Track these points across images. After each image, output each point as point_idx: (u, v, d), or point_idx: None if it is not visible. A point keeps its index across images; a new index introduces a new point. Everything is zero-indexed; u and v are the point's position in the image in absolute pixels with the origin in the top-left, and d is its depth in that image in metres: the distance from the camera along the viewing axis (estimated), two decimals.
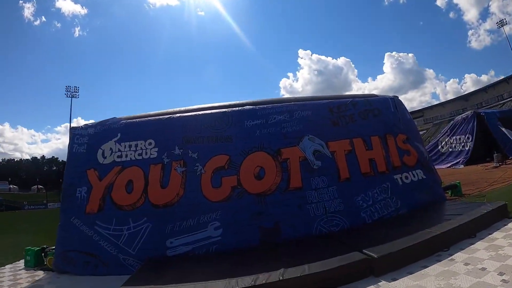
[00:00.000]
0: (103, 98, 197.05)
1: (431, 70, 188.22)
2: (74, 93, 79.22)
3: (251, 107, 8.73)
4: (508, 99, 77.33)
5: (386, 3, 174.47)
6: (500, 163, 18.73)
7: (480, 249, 5.13)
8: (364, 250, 5.16)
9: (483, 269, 4.31)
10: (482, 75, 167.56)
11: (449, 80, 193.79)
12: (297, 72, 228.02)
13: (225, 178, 7.59)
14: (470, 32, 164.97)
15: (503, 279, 3.88)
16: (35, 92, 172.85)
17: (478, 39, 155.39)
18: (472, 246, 5.34)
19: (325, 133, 8.29)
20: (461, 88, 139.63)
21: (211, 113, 8.57)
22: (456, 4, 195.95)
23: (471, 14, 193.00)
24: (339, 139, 8.30)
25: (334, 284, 4.55)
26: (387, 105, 9.42)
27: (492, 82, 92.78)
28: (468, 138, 23.74)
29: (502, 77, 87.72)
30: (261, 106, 8.70)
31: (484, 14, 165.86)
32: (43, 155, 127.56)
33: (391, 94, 10.17)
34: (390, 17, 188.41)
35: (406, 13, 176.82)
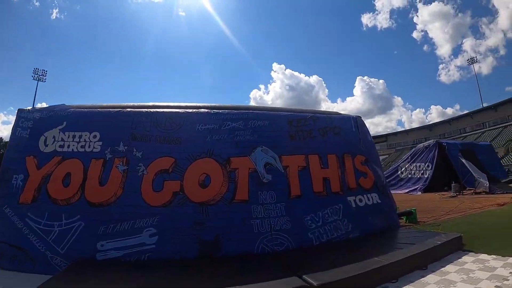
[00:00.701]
0: (73, 85, 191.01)
1: (400, 98, 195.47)
2: (42, 76, 77.40)
3: (206, 110, 8.20)
4: (470, 133, 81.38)
5: (365, 28, 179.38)
6: (458, 193, 19.01)
7: (430, 283, 4.78)
8: (304, 276, 4.66)
9: None
10: (448, 108, 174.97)
11: (415, 110, 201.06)
12: (269, 85, 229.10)
13: (167, 182, 6.98)
14: (441, 66, 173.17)
15: None
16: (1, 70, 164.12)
17: (448, 74, 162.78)
18: (422, 279, 5.00)
19: (280, 146, 7.86)
20: (426, 118, 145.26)
21: (164, 111, 7.99)
22: (431, 38, 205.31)
23: (444, 50, 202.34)
24: (294, 153, 7.90)
25: None
26: (349, 125, 9.17)
27: (456, 115, 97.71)
28: (428, 166, 24.28)
29: (466, 112, 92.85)
30: (216, 110, 8.19)
31: (457, 50, 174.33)
32: (1, 137, 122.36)
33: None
34: (367, 42, 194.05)
35: (382, 40, 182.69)
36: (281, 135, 8.07)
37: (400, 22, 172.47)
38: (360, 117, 9.75)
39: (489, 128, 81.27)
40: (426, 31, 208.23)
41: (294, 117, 8.60)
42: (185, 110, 8.16)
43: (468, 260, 5.86)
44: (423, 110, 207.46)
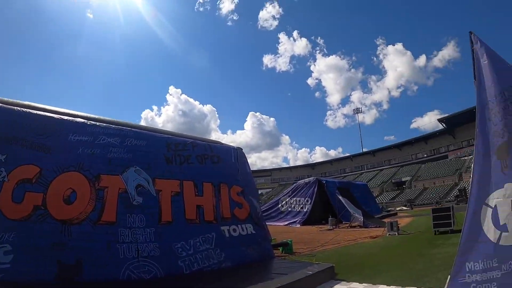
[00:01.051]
0: None
1: (287, 137, 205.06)
2: None
3: (82, 120, 7.33)
4: (350, 173, 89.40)
5: (264, 68, 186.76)
6: (334, 227, 19.94)
7: None
8: None
9: None
10: (331, 150, 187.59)
11: (301, 149, 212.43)
12: (162, 107, 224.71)
13: (29, 193, 5.91)
14: (329, 112, 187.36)
15: None
16: None
17: (334, 119, 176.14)
18: None
19: (155, 169, 7.41)
20: (311, 158, 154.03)
21: (37, 114, 6.85)
22: (324, 86, 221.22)
23: (334, 98, 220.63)
24: (169, 178, 7.53)
25: None
26: (228, 154, 9.17)
27: (338, 157, 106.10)
28: (307, 200, 25.36)
29: (347, 154, 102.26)
30: (93, 122, 7.40)
31: (345, 100, 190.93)
32: None
33: (246, 149, 9.88)
34: (264, 81, 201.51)
35: (278, 81, 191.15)
36: (157, 157, 7.66)
37: (298, 67, 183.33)
38: (241, 148, 9.79)
39: (367, 170, 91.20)
40: (320, 79, 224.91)
41: (173, 140, 8.32)
42: (61, 116, 7.17)
43: None
44: (308, 149, 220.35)
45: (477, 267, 4.20)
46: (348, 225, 21.02)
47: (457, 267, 4.36)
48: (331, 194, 24.77)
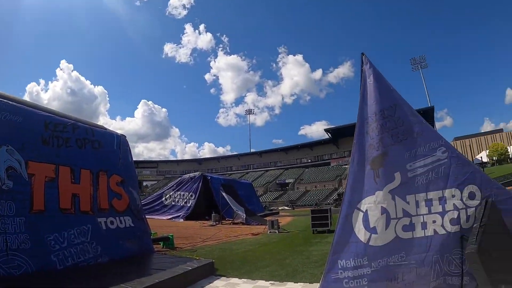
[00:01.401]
0: None
1: (177, 129, 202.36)
2: None
3: None
4: (236, 171, 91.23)
5: (164, 56, 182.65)
6: (217, 223, 20.11)
7: None
8: None
9: None
10: (219, 147, 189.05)
11: (190, 143, 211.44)
12: (50, 82, 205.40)
13: None
14: (222, 110, 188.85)
15: None
16: None
17: (226, 118, 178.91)
18: None
19: (29, 150, 6.44)
20: (199, 153, 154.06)
21: None
22: (220, 84, 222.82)
23: (229, 96, 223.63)
24: (44, 161, 6.62)
25: None
26: (111, 141, 8.45)
27: (226, 155, 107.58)
28: (191, 195, 25.20)
29: (235, 153, 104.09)
30: None
31: (239, 100, 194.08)
32: None
33: (134, 138, 9.27)
34: (161, 69, 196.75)
35: (175, 72, 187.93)
36: (33, 137, 6.69)
37: (198, 61, 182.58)
38: (125, 136, 9.16)
39: (253, 170, 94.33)
40: (218, 76, 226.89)
41: (52, 119, 7.28)
42: None
43: (219, 284, 6.10)
44: (197, 144, 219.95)
45: (348, 265, 4.66)
46: (230, 221, 21.38)
47: (330, 264, 4.79)
48: (215, 190, 24.90)
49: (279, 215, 30.09)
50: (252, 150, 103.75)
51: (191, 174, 28.51)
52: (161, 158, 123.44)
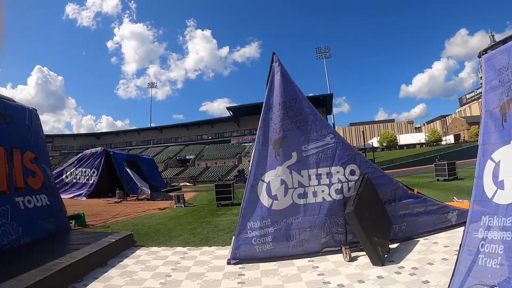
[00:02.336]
0: None
1: (74, 100, 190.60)
2: None
3: None
4: (136, 147, 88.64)
5: (65, 18, 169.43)
6: (122, 199, 20.08)
7: (114, 276, 5.22)
8: None
9: None
10: (118, 120, 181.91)
11: (87, 115, 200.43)
12: None
13: None
14: (122, 81, 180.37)
15: None
16: None
17: (126, 90, 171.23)
18: (105, 274, 5.37)
19: None
20: (96, 126, 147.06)
21: None
22: (123, 53, 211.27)
23: (130, 67, 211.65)
24: None
25: None
26: (22, 116, 7.98)
27: (125, 129, 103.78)
28: (93, 172, 24.28)
29: (135, 128, 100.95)
30: None
31: (141, 72, 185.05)
32: None
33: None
34: (59, 32, 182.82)
35: (75, 37, 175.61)
36: None
37: (101, 26, 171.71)
38: (36, 110, 8.71)
39: (153, 145, 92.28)
40: (121, 45, 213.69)
41: None
42: None
43: (142, 253, 6.71)
44: (94, 117, 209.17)
45: (256, 226, 5.95)
46: (135, 197, 21.38)
47: (241, 226, 6.00)
48: (118, 166, 24.14)
49: (181, 191, 29.91)
50: (153, 125, 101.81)
51: (92, 149, 27.54)
52: (56, 132, 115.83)
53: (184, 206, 16.08)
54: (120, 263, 5.98)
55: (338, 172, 6.23)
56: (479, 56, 4.12)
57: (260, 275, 5.06)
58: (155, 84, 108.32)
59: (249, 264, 5.62)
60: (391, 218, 6.01)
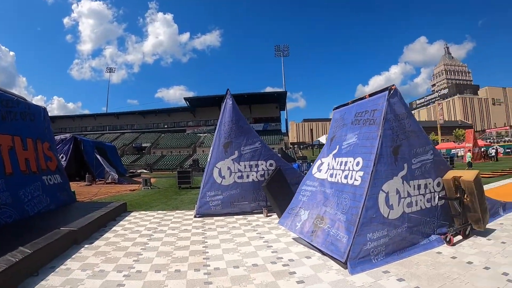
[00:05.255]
0: None
1: (25, 78, 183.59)
2: None
3: None
4: (91, 132, 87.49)
5: None
6: (91, 183, 21.88)
7: (119, 230, 7.92)
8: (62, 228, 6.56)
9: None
10: (70, 102, 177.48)
11: (37, 96, 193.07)
12: None
13: None
14: (76, 61, 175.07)
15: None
16: None
17: (81, 70, 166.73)
18: (114, 228, 8.15)
19: None
20: (47, 108, 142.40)
21: None
22: (79, 31, 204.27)
23: (86, 47, 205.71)
24: (4, 133, 8.24)
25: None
26: (39, 113, 10.35)
27: (82, 114, 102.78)
28: (62, 157, 23.96)
29: (88, 112, 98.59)
30: None
31: (97, 52, 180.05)
32: None
33: None
34: (12, 4, 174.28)
35: (29, 10, 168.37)
36: None
37: (58, 1, 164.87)
38: (46, 108, 11.15)
39: (109, 132, 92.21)
40: (78, 22, 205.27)
41: (4, 97, 8.74)
42: None
43: (134, 215, 10.07)
44: (45, 98, 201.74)
45: (211, 194, 9.61)
46: (103, 181, 23.29)
47: (202, 194, 9.61)
48: (87, 152, 25.54)
49: (141, 177, 30.83)
50: (108, 111, 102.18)
51: (61, 135, 27.69)
52: None
53: (151, 188, 19.14)
54: (121, 221, 8.94)
55: (262, 164, 10.09)
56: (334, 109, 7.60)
57: (214, 221, 8.72)
58: (113, 69, 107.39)
59: (207, 217, 9.19)
60: (294, 193, 8.58)
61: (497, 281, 4.24)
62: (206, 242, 6.63)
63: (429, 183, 6.32)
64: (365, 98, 6.61)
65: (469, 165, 27.79)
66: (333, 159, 6.79)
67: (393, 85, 6.06)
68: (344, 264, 4.94)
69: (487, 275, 4.49)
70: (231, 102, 10.62)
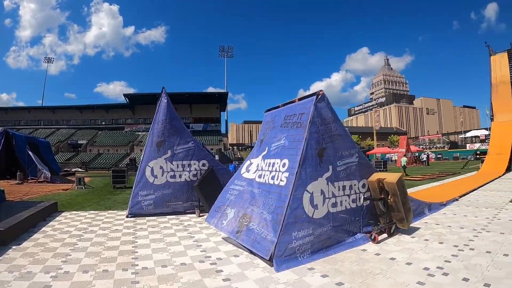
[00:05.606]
0: None
1: None
2: None
3: None
4: (25, 126, 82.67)
5: None
6: (22, 181, 20.96)
7: (39, 238, 7.20)
8: None
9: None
10: (4, 93, 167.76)
11: None
12: None
13: None
14: (13, 48, 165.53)
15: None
16: None
17: (17, 58, 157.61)
18: (43, 228, 7.95)
19: None
20: None
21: None
22: (19, 16, 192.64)
23: (25, 33, 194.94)
24: None
25: None
26: None
27: (16, 106, 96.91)
28: None
29: (25, 105, 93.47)
30: None
31: (36, 40, 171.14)
32: None
33: None
34: None
35: None
36: None
37: None
38: None
39: (44, 126, 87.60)
40: (19, 5, 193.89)
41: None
42: None
43: (65, 215, 9.82)
44: None
45: (143, 193, 9.67)
46: (35, 180, 22.32)
47: (134, 193, 9.63)
48: (19, 148, 24.07)
49: (75, 176, 28.68)
50: (45, 104, 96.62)
51: None
52: None
53: (85, 188, 18.70)
54: (51, 222, 8.68)
55: (195, 164, 10.31)
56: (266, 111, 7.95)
57: (146, 221, 8.82)
58: (52, 60, 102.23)
59: (140, 217, 9.25)
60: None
61: (418, 276, 4.61)
62: (136, 242, 6.71)
63: (354, 185, 6.69)
64: (295, 102, 6.92)
65: (404, 169, 29.68)
66: (262, 160, 7.02)
67: (321, 90, 6.35)
68: (270, 262, 5.12)
69: (409, 270, 4.87)
70: (166, 100, 10.71)
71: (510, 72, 35.55)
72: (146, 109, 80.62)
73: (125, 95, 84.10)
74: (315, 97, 6.29)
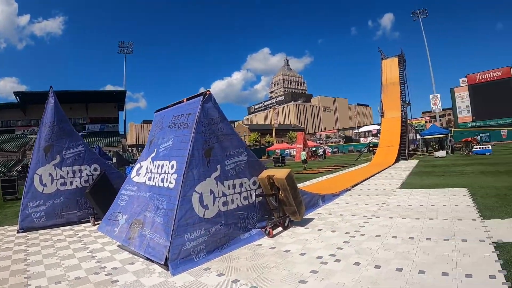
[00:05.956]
0: None
1: None
2: None
3: None
4: None
5: None
6: None
7: None
8: None
9: None
10: None
11: None
12: None
13: None
14: None
15: None
16: None
17: None
18: None
19: None
20: None
21: None
22: None
23: None
24: None
25: None
26: None
27: None
28: None
29: None
30: None
31: None
32: None
33: None
34: None
35: None
36: None
37: None
38: None
39: None
40: None
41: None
42: None
43: None
44: None
45: (33, 204, 9.24)
46: None
47: (23, 205, 9.16)
48: None
49: None
50: None
51: None
52: None
53: None
54: None
55: (86, 169, 10.12)
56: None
57: (38, 235, 8.50)
58: None
59: (32, 232, 8.87)
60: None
61: (311, 265, 4.88)
62: (28, 259, 6.41)
63: (245, 182, 6.85)
64: (183, 101, 6.96)
65: (304, 162, 32.03)
66: (151, 162, 6.96)
67: (207, 90, 6.41)
68: (165, 266, 5.12)
69: (303, 260, 5.15)
70: (53, 101, 10.12)
71: (400, 74, 41.06)
72: (40, 109, 72.02)
73: (16, 93, 73.55)
74: (202, 97, 6.39)
